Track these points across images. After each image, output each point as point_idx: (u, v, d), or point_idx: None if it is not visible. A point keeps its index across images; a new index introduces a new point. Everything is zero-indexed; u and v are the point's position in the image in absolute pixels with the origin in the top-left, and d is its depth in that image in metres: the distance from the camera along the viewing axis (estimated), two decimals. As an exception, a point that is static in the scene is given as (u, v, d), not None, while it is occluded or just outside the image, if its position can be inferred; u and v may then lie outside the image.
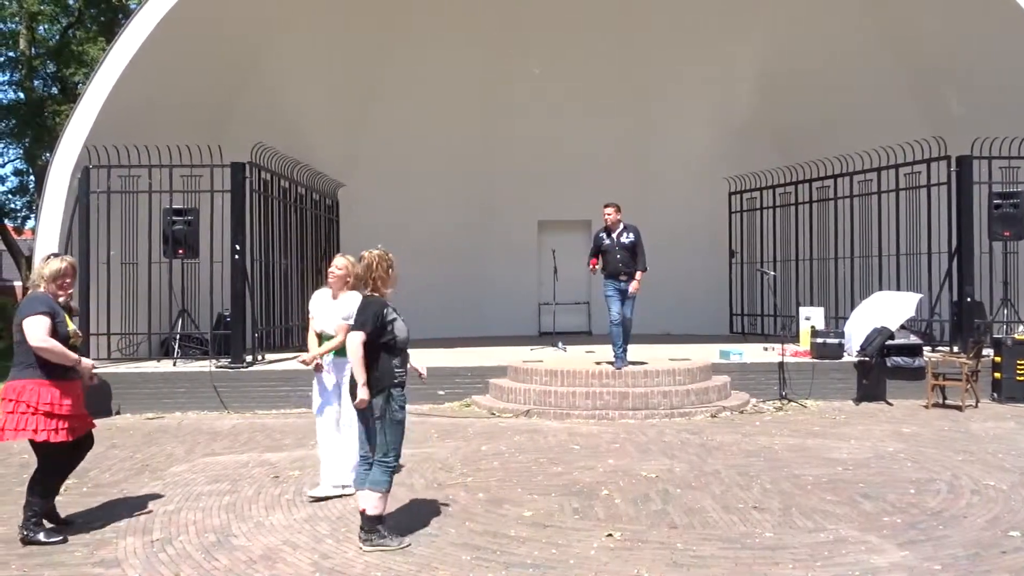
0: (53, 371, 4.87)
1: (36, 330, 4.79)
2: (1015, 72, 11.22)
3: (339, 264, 5.99)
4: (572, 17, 14.44)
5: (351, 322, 5.47)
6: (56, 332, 4.87)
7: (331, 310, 5.95)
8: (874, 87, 13.29)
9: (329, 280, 6.01)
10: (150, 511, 5.51)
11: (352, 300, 5.88)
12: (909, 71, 12.98)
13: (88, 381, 5.15)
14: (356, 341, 4.74)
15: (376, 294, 4.88)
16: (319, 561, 4.52)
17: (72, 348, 4.97)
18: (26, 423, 4.81)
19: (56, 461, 5.04)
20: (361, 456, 4.90)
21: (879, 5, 12.84)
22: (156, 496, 5.91)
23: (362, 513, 4.75)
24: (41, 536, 4.84)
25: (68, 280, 5.10)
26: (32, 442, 4.94)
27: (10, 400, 4.85)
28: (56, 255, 5.21)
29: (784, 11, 13.78)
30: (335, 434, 5.90)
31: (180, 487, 6.16)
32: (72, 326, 5.05)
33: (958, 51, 11.96)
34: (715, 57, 14.65)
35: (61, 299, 5.03)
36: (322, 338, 5.96)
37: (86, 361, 5.05)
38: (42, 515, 4.96)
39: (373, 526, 4.72)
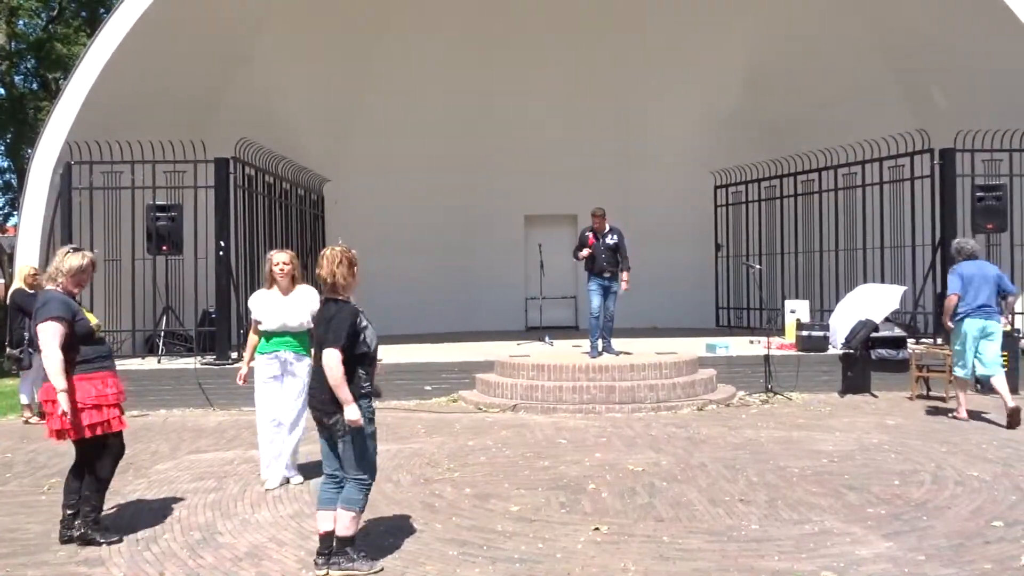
0: (92, 363, 4.79)
1: (47, 337, 4.62)
2: (998, 66, 11.27)
3: (285, 260, 5.94)
4: (558, 12, 14.40)
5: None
6: (73, 332, 4.72)
7: (286, 307, 5.91)
8: (859, 81, 13.34)
9: (278, 278, 5.94)
10: (135, 509, 5.47)
11: (308, 294, 5.86)
12: (894, 65, 13.02)
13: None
14: (335, 360, 4.16)
15: (340, 298, 4.36)
16: (305, 558, 4.50)
17: (98, 340, 4.89)
18: (105, 415, 4.75)
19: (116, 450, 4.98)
20: (328, 475, 4.42)
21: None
22: (141, 494, 5.87)
23: (327, 535, 4.30)
24: (99, 537, 4.76)
25: (86, 276, 4.97)
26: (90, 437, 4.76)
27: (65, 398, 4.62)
28: (76, 249, 5.01)
29: (770, 6, 13.80)
30: (274, 429, 6.00)
31: (165, 485, 6.13)
32: (95, 319, 4.95)
33: (942, 45, 12.00)
34: (702, 52, 14.66)
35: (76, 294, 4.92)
36: (272, 336, 5.92)
37: (62, 399, 4.57)
38: (100, 513, 4.89)
39: (343, 548, 4.26)
